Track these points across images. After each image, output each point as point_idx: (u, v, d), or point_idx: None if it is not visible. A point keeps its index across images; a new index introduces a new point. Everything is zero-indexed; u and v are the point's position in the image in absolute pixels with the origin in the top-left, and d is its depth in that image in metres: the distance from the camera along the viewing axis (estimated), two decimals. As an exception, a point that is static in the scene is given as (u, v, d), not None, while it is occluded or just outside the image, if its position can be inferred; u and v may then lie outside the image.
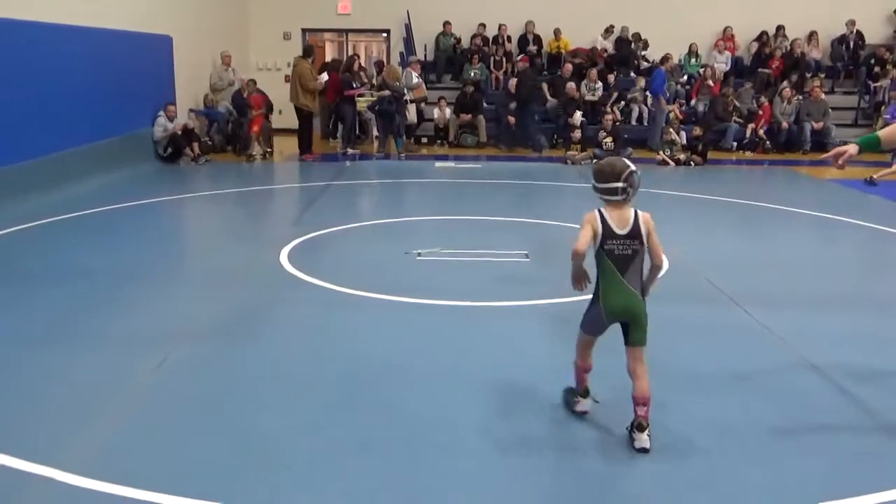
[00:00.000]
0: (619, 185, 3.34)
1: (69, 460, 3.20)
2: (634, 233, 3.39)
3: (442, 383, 4.11)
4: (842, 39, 16.73)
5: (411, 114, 14.10)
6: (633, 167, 3.38)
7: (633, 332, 3.43)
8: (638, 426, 3.39)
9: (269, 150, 13.37)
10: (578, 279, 3.55)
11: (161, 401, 3.88)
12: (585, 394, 3.74)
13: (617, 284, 3.41)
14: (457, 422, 3.65)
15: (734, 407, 3.85)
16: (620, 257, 3.40)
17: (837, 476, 3.24)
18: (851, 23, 16.51)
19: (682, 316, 5.22)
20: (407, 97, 13.91)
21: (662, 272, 3.54)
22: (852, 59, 16.62)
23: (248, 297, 5.54)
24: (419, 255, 6.51)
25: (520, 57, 16.23)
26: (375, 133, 14.41)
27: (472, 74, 15.65)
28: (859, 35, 16.62)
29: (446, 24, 16.67)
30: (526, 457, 3.35)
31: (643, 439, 3.38)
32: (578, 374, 3.73)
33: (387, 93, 13.53)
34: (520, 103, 14.49)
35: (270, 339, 4.77)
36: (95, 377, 4.12)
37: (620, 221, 3.40)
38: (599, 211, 3.43)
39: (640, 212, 3.43)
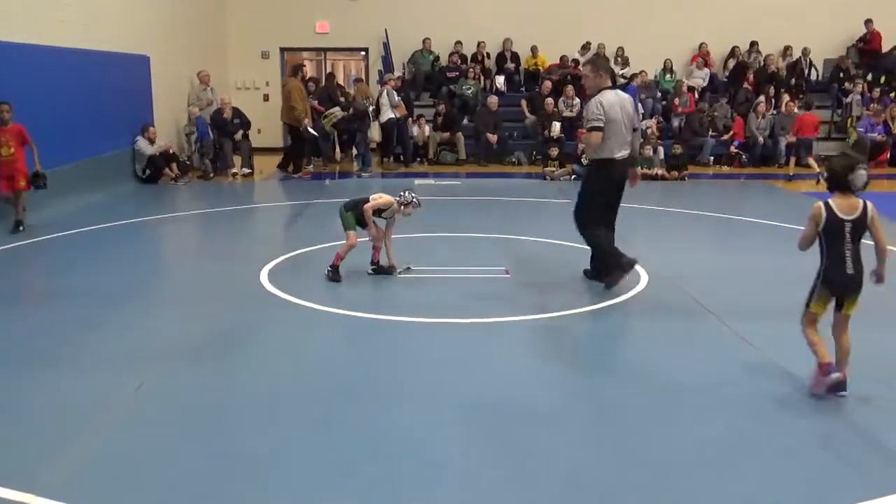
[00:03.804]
0: None
1: (46, 485, 3.16)
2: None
3: (424, 401, 4.10)
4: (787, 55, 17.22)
5: (374, 132, 14.06)
6: None
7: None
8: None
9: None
10: None
11: (140, 423, 3.84)
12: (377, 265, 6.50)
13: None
14: (439, 440, 3.64)
15: (712, 417, 3.87)
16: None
17: (816, 486, 3.27)
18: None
19: (663, 328, 5.27)
20: (392, 115, 13.98)
21: None
22: (795, 73, 17.00)
23: (228, 318, 5.51)
24: (399, 272, 6.52)
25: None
26: (354, 152, 14.43)
27: (466, 90, 15.76)
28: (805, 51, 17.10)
29: (426, 40, 16.77)
30: (510, 474, 3.35)
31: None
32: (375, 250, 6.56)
33: (338, 111, 13.74)
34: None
35: (250, 360, 4.74)
36: (74, 400, 4.07)
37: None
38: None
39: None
